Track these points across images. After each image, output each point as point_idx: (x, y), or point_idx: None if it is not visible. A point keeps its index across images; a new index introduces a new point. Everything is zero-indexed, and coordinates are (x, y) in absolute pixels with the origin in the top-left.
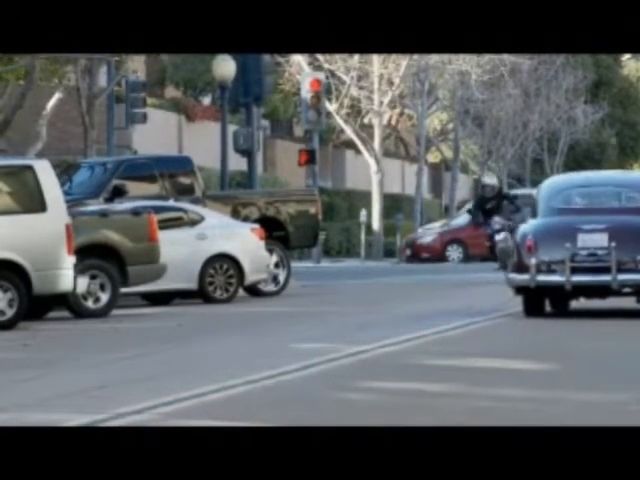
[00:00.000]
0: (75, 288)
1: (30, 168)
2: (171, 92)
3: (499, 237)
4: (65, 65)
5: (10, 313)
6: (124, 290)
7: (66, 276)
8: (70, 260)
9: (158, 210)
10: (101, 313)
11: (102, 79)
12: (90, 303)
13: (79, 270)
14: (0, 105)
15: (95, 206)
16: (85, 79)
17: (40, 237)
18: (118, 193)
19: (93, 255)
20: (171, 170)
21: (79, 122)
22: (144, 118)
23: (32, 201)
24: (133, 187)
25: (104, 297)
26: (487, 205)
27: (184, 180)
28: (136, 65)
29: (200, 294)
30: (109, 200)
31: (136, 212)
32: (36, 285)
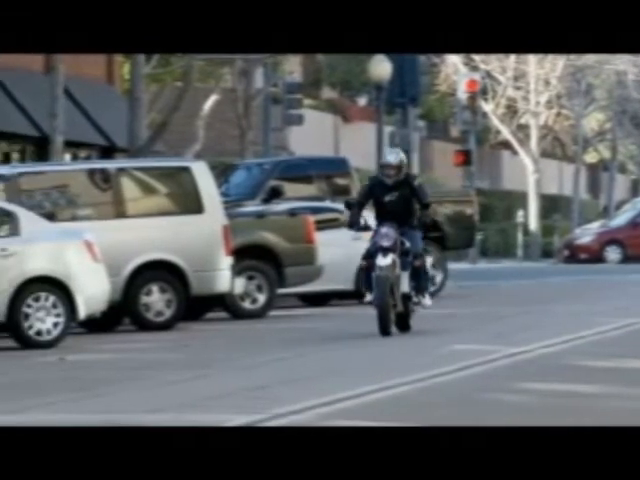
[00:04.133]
0: (233, 289)
1: (187, 169)
2: (327, 93)
3: (384, 262)
4: (222, 67)
5: (168, 313)
6: (281, 291)
7: (223, 277)
8: (227, 261)
9: (315, 211)
10: (258, 314)
11: (258, 80)
12: (247, 304)
13: (236, 271)
14: (157, 107)
15: (252, 207)
16: (242, 81)
17: (197, 238)
18: (275, 194)
19: (250, 256)
20: (327, 171)
21: (236, 123)
22: (300, 119)
23: (189, 202)
24: (289, 188)
25: (261, 298)
26: (386, 196)
27: (340, 181)
28: (292, 66)
29: (357, 295)
30: (266, 201)
31: (293, 213)
32: (194, 286)
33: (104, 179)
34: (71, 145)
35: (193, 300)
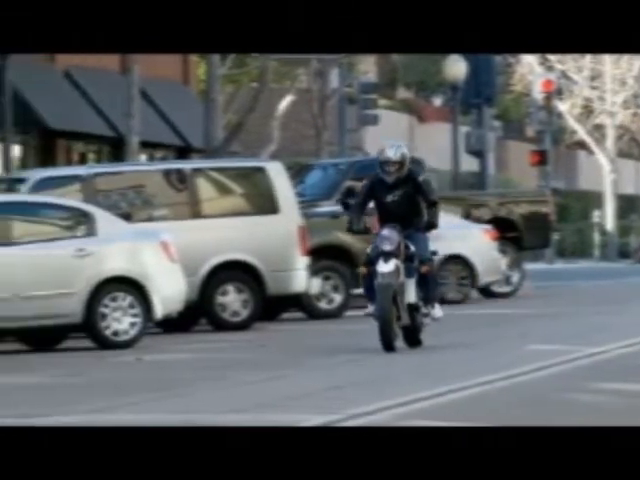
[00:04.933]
0: (309, 289)
1: (263, 170)
2: (402, 93)
3: (386, 268)
4: (297, 67)
5: (244, 314)
6: (357, 291)
7: (299, 277)
8: (303, 261)
9: None
10: (334, 314)
11: (334, 80)
12: (323, 304)
13: (312, 271)
14: (233, 108)
15: (328, 207)
16: (317, 81)
17: (273, 238)
18: (350, 194)
19: (326, 256)
20: None
21: (311, 124)
22: (375, 119)
23: (265, 203)
24: None
25: (337, 298)
26: (387, 196)
27: None
28: (368, 66)
29: None
30: (341, 201)
31: (368, 213)
32: (270, 286)
33: (180, 179)
34: (147, 146)
35: (269, 300)
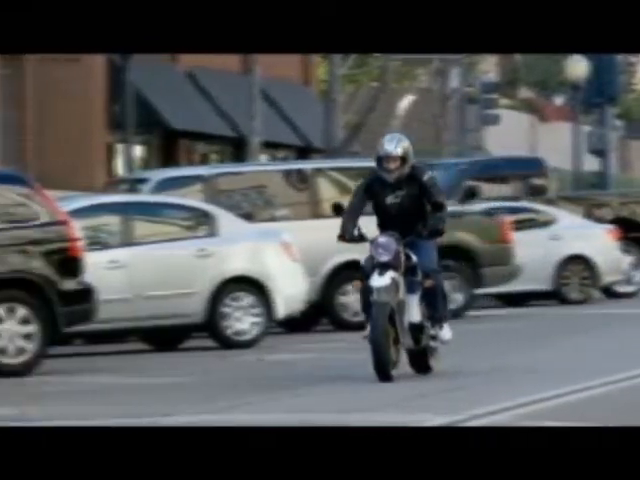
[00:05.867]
0: None
1: None
2: (524, 93)
3: (380, 282)
4: (417, 67)
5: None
6: (479, 291)
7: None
8: None
9: (511, 211)
10: (457, 314)
11: (454, 80)
12: None
13: None
14: (353, 108)
15: (449, 207)
16: (437, 80)
17: None
18: (470, 195)
19: (447, 256)
20: (523, 171)
21: (431, 123)
22: (496, 119)
23: None
24: (485, 188)
25: (459, 298)
26: (388, 197)
27: (536, 181)
28: (489, 66)
29: (555, 295)
30: (462, 201)
31: (489, 213)
32: None
33: (301, 179)
34: (268, 146)
35: None
